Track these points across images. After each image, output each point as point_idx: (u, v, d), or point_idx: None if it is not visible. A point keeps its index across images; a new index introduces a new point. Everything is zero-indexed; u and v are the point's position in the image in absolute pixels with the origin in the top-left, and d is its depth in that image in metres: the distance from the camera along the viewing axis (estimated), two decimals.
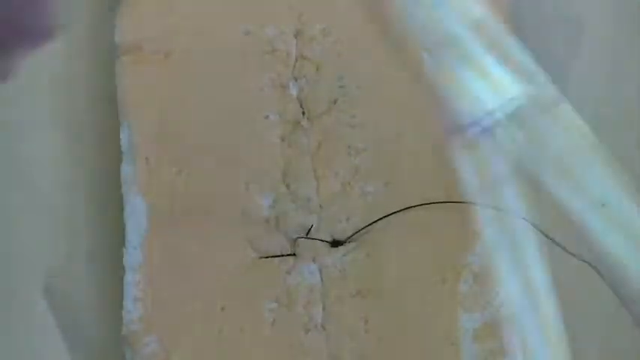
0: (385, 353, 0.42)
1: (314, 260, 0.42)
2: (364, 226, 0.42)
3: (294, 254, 0.42)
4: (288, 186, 0.43)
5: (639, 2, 0.48)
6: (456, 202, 0.42)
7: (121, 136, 0.43)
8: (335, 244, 0.42)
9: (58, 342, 0.46)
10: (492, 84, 0.41)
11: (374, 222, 0.42)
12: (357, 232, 0.42)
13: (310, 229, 0.42)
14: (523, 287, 0.44)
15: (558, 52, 0.48)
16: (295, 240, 0.42)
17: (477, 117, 0.41)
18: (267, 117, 0.43)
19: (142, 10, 0.44)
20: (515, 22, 0.45)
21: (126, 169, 0.43)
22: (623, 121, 0.46)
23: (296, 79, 0.43)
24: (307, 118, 0.43)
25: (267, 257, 0.42)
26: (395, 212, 0.42)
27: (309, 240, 0.42)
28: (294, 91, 0.43)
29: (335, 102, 0.43)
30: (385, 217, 0.42)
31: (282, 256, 0.42)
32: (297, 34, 0.44)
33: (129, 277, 0.42)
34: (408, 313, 0.42)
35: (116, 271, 0.43)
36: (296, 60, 0.44)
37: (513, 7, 0.45)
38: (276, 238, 0.42)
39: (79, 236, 0.46)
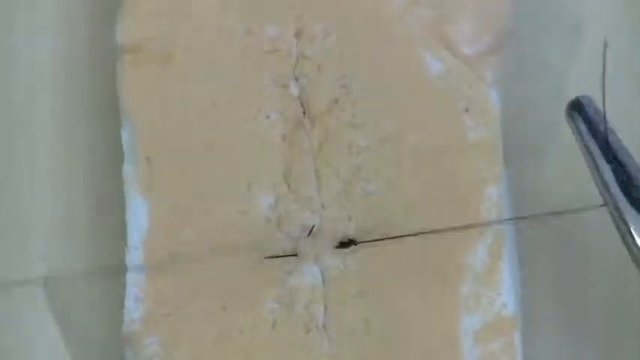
0: (386, 354, 0.42)
1: (315, 260, 0.42)
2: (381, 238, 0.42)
3: (296, 254, 0.42)
4: (289, 186, 0.43)
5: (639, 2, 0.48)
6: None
7: (122, 136, 0.43)
8: (343, 245, 0.42)
9: (58, 341, 0.46)
10: None
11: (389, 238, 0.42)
12: (374, 240, 0.42)
13: (312, 229, 0.42)
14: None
15: (558, 52, 0.48)
16: (297, 240, 0.42)
17: None
18: (268, 117, 0.43)
19: (142, 10, 0.44)
20: (516, 23, 0.45)
21: (127, 169, 0.43)
22: (622, 122, 0.46)
23: (297, 79, 0.43)
24: (308, 118, 0.43)
25: (269, 257, 0.42)
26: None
27: (312, 240, 0.42)
28: (295, 91, 0.43)
29: (336, 101, 0.43)
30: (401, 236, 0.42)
31: (284, 256, 0.42)
32: (298, 34, 0.44)
33: (130, 277, 0.42)
34: (409, 314, 0.42)
35: (117, 271, 0.42)
36: (297, 60, 0.44)
37: (513, 7, 0.45)
38: (278, 238, 0.42)
39: (79, 236, 0.46)
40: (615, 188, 0.39)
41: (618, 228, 0.40)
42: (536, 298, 0.45)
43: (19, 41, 0.49)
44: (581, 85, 0.46)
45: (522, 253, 0.45)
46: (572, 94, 0.45)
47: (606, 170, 0.40)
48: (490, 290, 0.42)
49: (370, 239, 0.42)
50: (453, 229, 0.41)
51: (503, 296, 0.42)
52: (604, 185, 0.40)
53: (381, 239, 0.42)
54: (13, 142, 0.48)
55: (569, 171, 0.45)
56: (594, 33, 0.48)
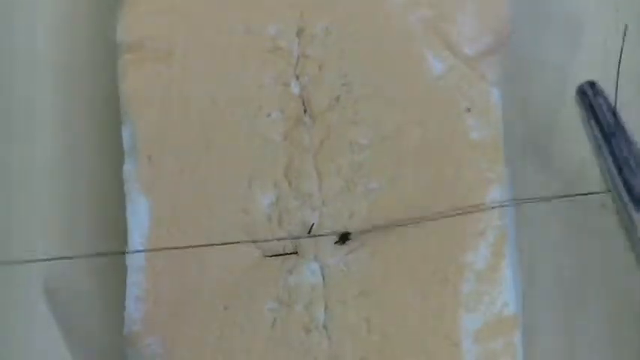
0: (387, 353, 0.42)
1: (316, 259, 0.42)
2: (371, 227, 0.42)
3: (297, 252, 0.42)
4: (290, 183, 0.43)
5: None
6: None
7: (122, 135, 0.43)
8: (342, 237, 0.42)
9: (58, 342, 0.46)
10: None
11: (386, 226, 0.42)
12: (367, 231, 0.42)
13: (312, 227, 0.42)
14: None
15: (558, 52, 0.48)
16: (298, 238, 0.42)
17: None
18: (269, 115, 0.43)
19: (143, 8, 0.44)
20: (516, 22, 0.45)
21: (128, 168, 0.43)
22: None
23: (298, 77, 0.43)
24: (309, 116, 0.43)
25: (270, 256, 0.42)
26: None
27: (312, 238, 0.42)
28: (296, 89, 0.43)
29: (337, 99, 0.43)
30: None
31: (285, 254, 0.42)
32: (299, 33, 0.44)
33: (131, 278, 0.42)
34: (409, 313, 0.42)
35: (118, 271, 0.42)
36: (298, 58, 0.44)
37: (513, 7, 0.45)
38: (279, 236, 0.42)
39: (80, 236, 0.46)
40: (614, 172, 0.40)
41: (618, 212, 0.40)
42: (537, 298, 0.45)
43: (19, 41, 0.49)
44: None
45: (524, 253, 0.45)
46: (572, 94, 0.45)
47: (607, 157, 0.40)
48: (491, 288, 0.42)
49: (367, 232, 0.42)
50: (452, 214, 0.42)
51: (505, 295, 0.42)
52: (604, 170, 0.40)
53: (379, 227, 0.42)
54: (13, 141, 0.48)
55: (570, 171, 0.45)
56: (594, 33, 0.48)
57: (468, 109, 0.43)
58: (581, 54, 0.48)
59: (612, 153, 0.40)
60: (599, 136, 0.40)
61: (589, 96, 0.41)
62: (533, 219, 0.46)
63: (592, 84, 0.41)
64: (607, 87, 0.46)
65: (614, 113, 0.40)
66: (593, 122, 0.40)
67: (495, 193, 0.42)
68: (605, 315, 0.46)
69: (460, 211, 0.42)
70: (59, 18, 0.49)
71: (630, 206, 0.39)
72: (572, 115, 0.46)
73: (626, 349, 0.45)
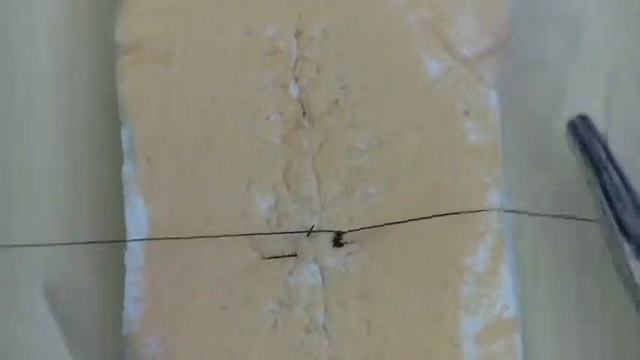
0: (387, 355, 0.42)
1: (315, 261, 0.42)
2: (367, 226, 0.42)
3: (296, 255, 0.42)
4: (289, 187, 0.43)
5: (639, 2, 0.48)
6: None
7: (122, 136, 0.43)
8: (337, 243, 0.42)
9: (58, 342, 0.46)
10: None
11: (377, 226, 0.42)
12: (358, 230, 0.42)
13: (311, 230, 0.42)
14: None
15: (558, 52, 0.48)
16: (296, 241, 0.42)
17: None
18: (268, 118, 0.43)
19: (142, 9, 0.44)
20: (515, 22, 0.45)
21: (127, 169, 0.43)
22: (622, 122, 0.46)
23: (297, 80, 0.43)
24: (308, 119, 0.43)
25: (268, 258, 0.42)
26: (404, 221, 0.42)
27: (311, 240, 0.42)
28: (294, 92, 0.43)
29: (336, 102, 0.43)
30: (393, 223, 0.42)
31: (284, 257, 0.42)
32: (298, 34, 0.44)
33: (130, 278, 0.42)
34: (410, 316, 0.42)
35: (117, 271, 0.43)
36: (296, 60, 0.44)
37: (513, 7, 0.45)
38: (278, 239, 0.42)
39: (80, 237, 0.46)
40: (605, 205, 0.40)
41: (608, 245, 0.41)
42: (537, 301, 0.45)
43: (19, 41, 0.49)
44: (581, 85, 0.46)
45: (523, 255, 0.45)
46: (572, 95, 0.45)
47: (598, 190, 0.41)
48: (491, 291, 0.42)
49: (363, 235, 0.42)
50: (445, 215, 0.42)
51: (504, 298, 0.42)
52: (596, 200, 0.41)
53: (368, 227, 0.42)
54: (13, 141, 0.48)
55: (569, 172, 0.45)
56: (594, 33, 0.48)
57: (466, 112, 0.43)
58: (581, 54, 0.48)
59: (603, 187, 0.40)
60: (590, 169, 0.41)
61: (580, 130, 0.41)
62: (532, 220, 0.46)
63: (583, 118, 0.42)
64: (606, 88, 0.46)
65: (605, 148, 0.41)
66: (584, 156, 0.41)
67: (493, 198, 0.42)
68: (605, 315, 0.46)
69: (448, 213, 0.42)
70: (59, 18, 0.49)
71: (621, 238, 0.40)
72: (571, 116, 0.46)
73: (626, 349, 0.45)
